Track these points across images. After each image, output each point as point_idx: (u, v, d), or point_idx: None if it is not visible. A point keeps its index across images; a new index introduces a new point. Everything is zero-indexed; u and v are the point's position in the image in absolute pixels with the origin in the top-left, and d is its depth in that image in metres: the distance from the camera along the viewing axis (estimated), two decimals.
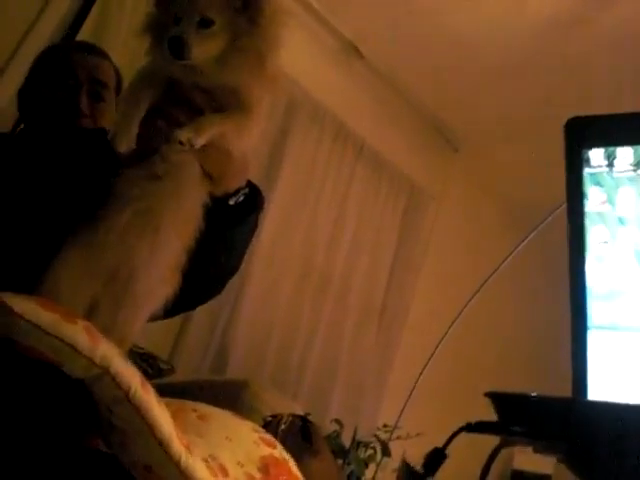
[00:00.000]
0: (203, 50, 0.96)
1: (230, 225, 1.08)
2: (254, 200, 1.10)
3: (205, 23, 0.96)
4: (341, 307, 3.05)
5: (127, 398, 0.75)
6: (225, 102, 1.00)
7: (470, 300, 2.72)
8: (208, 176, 1.01)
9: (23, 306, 0.75)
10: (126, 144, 0.98)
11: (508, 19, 2.75)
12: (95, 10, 2.31)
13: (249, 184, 1.09)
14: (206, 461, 0.80)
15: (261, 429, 1.00)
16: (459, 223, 3.64)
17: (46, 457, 0.81)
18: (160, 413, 0.77)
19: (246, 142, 1.03)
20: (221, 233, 1.06)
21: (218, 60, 0.98)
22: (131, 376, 0.77)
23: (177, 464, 0.75)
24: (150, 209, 0.96)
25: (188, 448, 0.77)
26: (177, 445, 0.76)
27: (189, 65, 0.97)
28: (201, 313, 2.54)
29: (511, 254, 2.63)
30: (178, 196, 0.98)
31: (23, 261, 0.99)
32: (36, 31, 2.18)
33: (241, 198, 1.07)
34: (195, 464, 0.76)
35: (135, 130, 0.98)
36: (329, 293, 3.01)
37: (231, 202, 1.06)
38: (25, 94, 1.38)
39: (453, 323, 2.73)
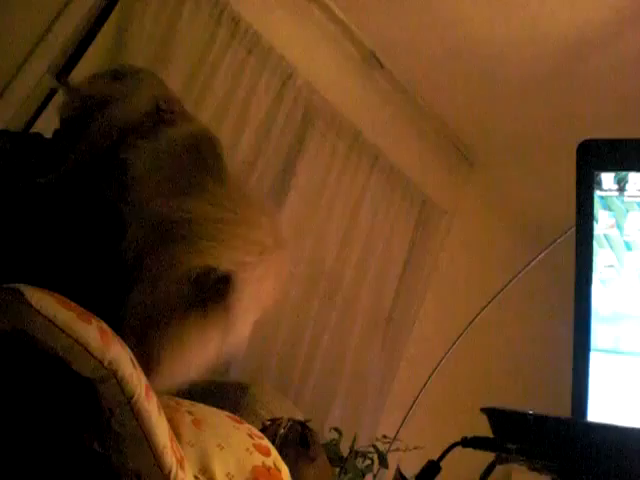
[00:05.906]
0: None
1: None
2: None
3: None
4: (347, 316, 3.04)
5: (129, 404, 0.75)
6: None
7: (477, 316, 2.71)
8: None
9: (41, 301, 0.75)
10: None
11: (529, 37, 2.75)
12: (117, 11, 2.34)
13: None
14: (196, 478, 0.81)
15: (257, 434, 1.00)
16: (470, 239, 3.63)
17: (43, 451, 0.81)
18: (158, 423, 0.77)
19: None
20: None
21: None
22: (136, 383, 0.77)
23: (167, 476, 0.75)
24: None
25: (181, 463, 0.78)
26: (170, 458, 0.76)
27: None
28: None
29: (520, 273, 2.62)
30: None
31: None
32: (53, 30, 2.19)
33: None
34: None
35: None
36: (336, 302, 3.00)
37: None
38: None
39: (458, 338, 2.72)
